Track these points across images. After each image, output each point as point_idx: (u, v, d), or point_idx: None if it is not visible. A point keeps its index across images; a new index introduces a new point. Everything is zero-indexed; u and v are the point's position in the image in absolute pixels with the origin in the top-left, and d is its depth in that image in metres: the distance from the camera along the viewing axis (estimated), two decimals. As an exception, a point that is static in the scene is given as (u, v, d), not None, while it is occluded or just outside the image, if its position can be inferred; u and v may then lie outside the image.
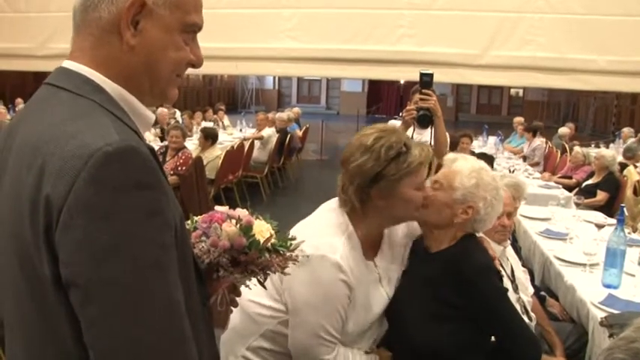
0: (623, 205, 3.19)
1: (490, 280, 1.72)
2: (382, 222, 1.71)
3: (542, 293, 2.92)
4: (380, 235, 1.76)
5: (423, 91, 2.91)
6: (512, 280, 2.35)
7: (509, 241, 2.45)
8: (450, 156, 1.86)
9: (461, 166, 1.78)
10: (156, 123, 7.82)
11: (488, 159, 4.57)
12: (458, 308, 1.67)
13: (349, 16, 8.03)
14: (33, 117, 0.88)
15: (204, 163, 5.98)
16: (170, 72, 0.95)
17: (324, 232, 1.62)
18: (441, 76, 8.92)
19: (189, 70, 1.02)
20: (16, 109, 10.75)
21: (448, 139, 3.32)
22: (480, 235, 2.26)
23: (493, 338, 1.76)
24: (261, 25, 7.55)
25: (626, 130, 9.91)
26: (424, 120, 2.96)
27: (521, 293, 2.37)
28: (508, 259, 2.42)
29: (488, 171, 1.82)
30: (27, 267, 0.82)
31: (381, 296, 1.72)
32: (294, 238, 1.15)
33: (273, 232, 1.14)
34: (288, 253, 1.12)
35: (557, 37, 7.86)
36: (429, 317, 1.69)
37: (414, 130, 3.09)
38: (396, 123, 3.25)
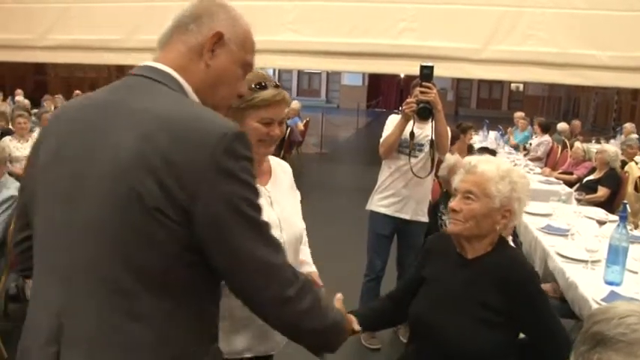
0: (625, 201, 3.17)
1: (536, 284, 1.75)
2: None
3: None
4: (259, 163, 1.68)
5: (424, 83, 2.91)
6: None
7: (510, 236, 2.44)
8: (469, 159, 1.81)
9: (488, 170, 1.73)
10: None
11: (491, 154, 4.55)
12: (504, 313, 1.67)
13: (350, 9, 7.99)
14: (141, 96, 1.08)
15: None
16: (226, 94, 1.20)
17: None
18: (442, 70, 8.88)
19: None
20: (15, 99, 10.72)
21: (449, 133, 3.32)
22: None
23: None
24: (262, 17, 7.49)
25: (628, 126, 9.87)
26: (424, 113, 2.97)
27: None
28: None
29: (515, 169, 1.82)
30: (135, 209, 0.99)
31: (273, 219, 1.65)
32: None
33: None
34: None
35: (559, 32, 7.83)
36: (476, 323, 1.67)
37: (414, 123, 3.10)
38: (396, 117, 3.24)
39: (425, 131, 3.17)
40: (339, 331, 1.27)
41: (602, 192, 5.37)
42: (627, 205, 2.91)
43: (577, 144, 7.24)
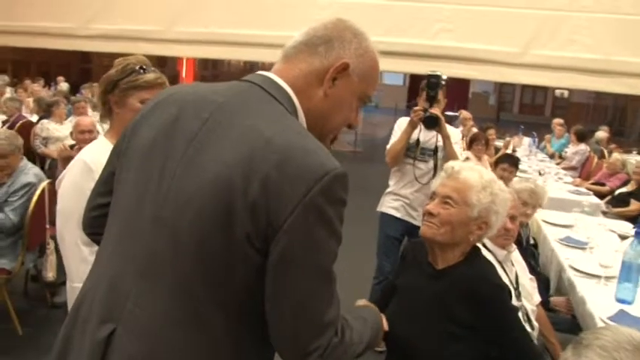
0: (641, 216, 3.03)
1: (506, 300, 1.68)
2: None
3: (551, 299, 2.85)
4: None
5: (431, 94, 2.94)
6: (515, 287, 2.27)
7: (514, 246, 2.36)
8: (452, 164, 1.75)
9: (471, 178, 1.67)
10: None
11: (513, 160, 4.44)
12: (471, 328, 1.60)
13: (387, 8, 7.92)
14: (255, 111, 1.05)
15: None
16: (337, 125, 1.17)
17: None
18: (480, 73, 8.78)
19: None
20: (58, 87, 11.05)
21: (458, 135, 3.34)
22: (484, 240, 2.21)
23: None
24: (297, 13, 7.49)
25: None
26: (430, 122, 3.00)
27: (525, 301, 2.30)
28: (513, 265, 2.34)
29: (497, 181, 1.74)
30: (226, 230, 0.98)
31: None
32: None
33: None
34: None
35: (604, 38, 7.57)
36: (441, 335, 1.61)
37: (420, 130, 3.08)
38: (404, 120, 3.21)
39: (433, 137, 3.14)
40: (376, 337, 1.33)
41: (634, 206, 5.18)
42: (643, 221, 2.78)
43: (615, 154, 7.00)
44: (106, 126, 1.93)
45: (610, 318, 2.35)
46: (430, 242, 1.69)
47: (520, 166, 6.29)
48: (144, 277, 1.04)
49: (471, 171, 1.68)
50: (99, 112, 2.00)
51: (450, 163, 1.75)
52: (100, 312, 1.07)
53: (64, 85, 11.29)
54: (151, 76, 1.74)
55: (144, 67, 1.75)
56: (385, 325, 1.49)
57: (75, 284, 1.65)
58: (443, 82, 3.04)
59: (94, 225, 1.27)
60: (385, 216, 3.30)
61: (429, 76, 3.01)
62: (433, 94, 3.00)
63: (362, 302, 1.51)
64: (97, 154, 1.66)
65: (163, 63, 14.90)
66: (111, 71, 1.81)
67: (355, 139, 12.42)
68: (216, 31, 8.94)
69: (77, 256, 1.67)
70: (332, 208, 1.00)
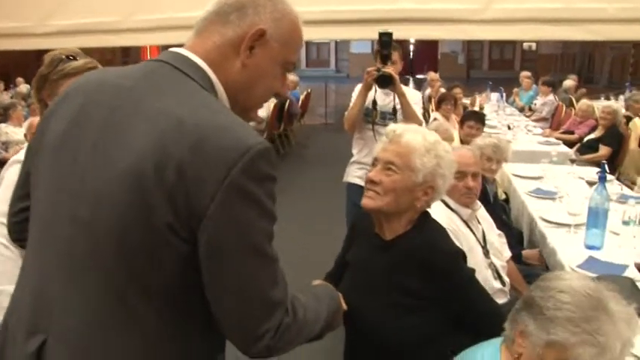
0: (604, 162, 3.03)
1: (461, 266, 1.61)
2: None
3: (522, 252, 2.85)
4: None
5: (382, 52, 2.89)
6: (483, 245, 2.24)
7: (478, 203, 2.33)
8: (393, 127, 1.65)
9: (413, 141, 1.58)
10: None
11: (479, 117, 4.41)
12: (426, 298, 1.54)
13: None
14: (167, 91, 0.98)
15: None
16: (261, 95, 1.11)
17: None
18: (444, 33, 8.61)
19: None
20: (17, 88, 10.75)
21: (417, 96, 3.29)
22: (444, 198, 2.17)
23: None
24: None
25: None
26: (383, 81, 2.95)
27: (494, 257, 2.27)
28: (480, 223, 2.31)
29: (442, 142, 1.65)
30: (143, 216, 0.92)
31: None
32: None
33: None
34: None
35: (563, -14, 7.53)
36: (395, 309, 1.55)
37: (375, 92, 3.03)
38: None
39: (391, 101, 3.08)
40: (334, 316, 1.27)
41: (603, 151, 5.19)
42: (606, 166, 2.77)
43: (584, 100, 7.01)
44: None
45: (579, 266, 2.34)
46: (374, 212, 1.61)
47: (489, 122, 6.30)
48: (68, 283, 0.98)
49: (414, 133, 1.59)
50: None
51: (392, 126, 1.65)
52: (27, 323, 1.01)
53: (23, 87, 10.98)
54: (79, 62, 1.68)
55: (71, 55, 1.68)
56: (343, 304, 1.42)
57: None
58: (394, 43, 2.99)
59: (18, 230, 1.20)
60: (352, 186, 3.25)
61: (381, 35, 2.95)
62: (386, 53, 2.94)
63: (317, 282, 1.45)
64: None
65: (127, 54, 14.57)
66: (41, 68, 1.74)
67: (325, 111, 12.33)
68: (173, 15, 8.72)
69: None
70: (258, 186, 0.93)
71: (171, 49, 1.06)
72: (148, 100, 0.97)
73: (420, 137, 1.58)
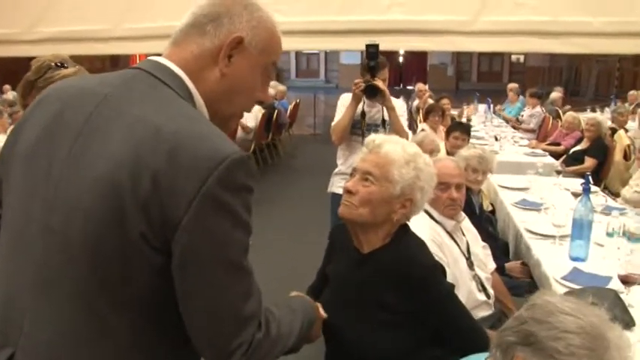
0: (588, 174, 3.04)
1: (439, 280, 1.58)
2: None
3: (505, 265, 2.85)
4: None
5: (371, 64, 2.91)
6: (467, 257, 2.24)
7: (463, 215, 2.33)
8: (373, 137, 1.63)
9: (393, 152, 1.55)
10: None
11: (464, 128, 4.43)
12: (403, 313, 1.51)
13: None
14: (144, 99, 0.96)
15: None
16: (243, 104, 1.09)
17: None
18: (432, 44, 8.66)
19: None
20: (4, 96, 10.65)
21: (403, 107, 3.30)
22: (428, 209, 2.16)
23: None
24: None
25: (635, 93, 9.58)
26: (371, 92, 2.95)
27: (478, 269, 2.27)
28: (464, 235, 2.30)
29: (422, 155, 1.63)
30: (117, 225, 0.90)
31: None
32: None
33: None
34: None
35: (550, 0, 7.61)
36: (371, 324, 1.52)
37: (364, 103, 3.03)
38: (347, 96, 3.16)
39: (379, 112, 3.09)
40: (309, 328, 1.27)
41: (588, 162, 5.23)
42: (590, 177, 2.78)
43: (569, 113, 7.07)
44: None
45: (564, 278, 2.33)
46: (350, 224, 1.58)
47: (477, 133, 6.33)
48: (39, 294, 0.96)
49: (394, 144, 1.56)
50: None
51: (372, 137, 1.63)
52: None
53: (10, 94, 10.87)
54: (69, 70, 1.66)
55: (60, 63, 1.67)
56: (322, 313, 1.40)
57: None
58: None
59: None
60: (336, 196, 3.23)
61: (368, 46, 2.96)
62: (373, 64, 2.95)
63: (294, 293, 1.42)
64: None
65: (116, 62, 14.51)
66: (27, 73, 1.73)
67: (314, 122, 12.33)
68: (164, 24, 8.68)
69: None
70: (233, 196, 0.92)
71: (150, 58, 1.05)
72: (125, 107, 0.96)
73: (399, 148, 1.56)
